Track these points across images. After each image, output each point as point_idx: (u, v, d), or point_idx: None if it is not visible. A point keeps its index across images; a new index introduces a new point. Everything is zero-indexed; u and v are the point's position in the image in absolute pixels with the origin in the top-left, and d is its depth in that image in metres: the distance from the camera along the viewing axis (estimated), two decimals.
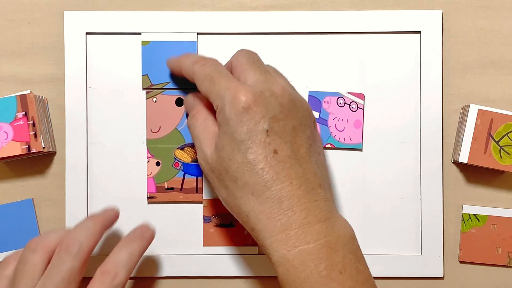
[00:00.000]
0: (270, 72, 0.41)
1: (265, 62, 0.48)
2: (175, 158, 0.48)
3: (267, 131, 0.38)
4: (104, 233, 0.43)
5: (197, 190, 0.48)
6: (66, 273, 0.39)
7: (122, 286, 0.40)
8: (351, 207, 0.48)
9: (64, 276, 0.39)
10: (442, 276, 0.48)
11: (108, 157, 0.48)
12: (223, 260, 0.48)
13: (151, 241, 0.44)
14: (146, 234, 0.43)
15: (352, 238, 0.38)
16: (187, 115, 0.47)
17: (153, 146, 0.48)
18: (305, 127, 0.40)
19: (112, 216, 0.44)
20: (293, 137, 0.39)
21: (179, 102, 0.48)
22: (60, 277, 0.39)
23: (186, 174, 0.48)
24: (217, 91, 0.40)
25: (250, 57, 0.42)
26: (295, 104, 0.40)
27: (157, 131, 0.48)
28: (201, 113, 0.44)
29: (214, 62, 0.42)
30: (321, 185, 0.39)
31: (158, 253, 0.48)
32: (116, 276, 0.40)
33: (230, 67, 0.43)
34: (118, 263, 0.40)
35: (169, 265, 0.48)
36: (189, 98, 0.46)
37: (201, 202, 0.48)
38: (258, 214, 0.38)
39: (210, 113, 0.43)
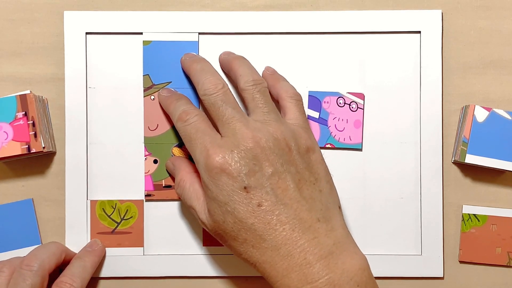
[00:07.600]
0: (245, 118, 0.41)
1: (265, 63, 0.48)
2: (172, 156, 0.48)
3: (245, 188, 0.39)
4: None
5: None
6: None
7: None
8: (351, 207, 0.48)
9: None
10: (442, 276, 0.48)
11: (108, 157, 0.48)
12: (223, 260, 0.48)
13: (101, 255, 0.47)
14: (96, 248, 0.47)
15: (361, 269, 0.38)
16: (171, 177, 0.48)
17: (150, 144, 0.48)
18: (288, 165, 0.40)
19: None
20: (275, 183, 0.39)
21: None
22: None
23: None
24: (194, 155, 0.41)
25: (225, 105, 0.41)
26: (271, 147, 0.40)
27: (155, 129, 0.48)
28: (185, 179, 0.44)
29: (195, 118, 0.42)
30: (319, 219, 0.39)
31: (158, 253, 0.48)
32: (72, 285, 0.43)
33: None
34: (72, 275, 0.44)
35: (168, 265, 0.48)
36: (169, 165, 0.47)
37: None
38: (262, 264, 0.39)
39: (194, 175, 0.44)
